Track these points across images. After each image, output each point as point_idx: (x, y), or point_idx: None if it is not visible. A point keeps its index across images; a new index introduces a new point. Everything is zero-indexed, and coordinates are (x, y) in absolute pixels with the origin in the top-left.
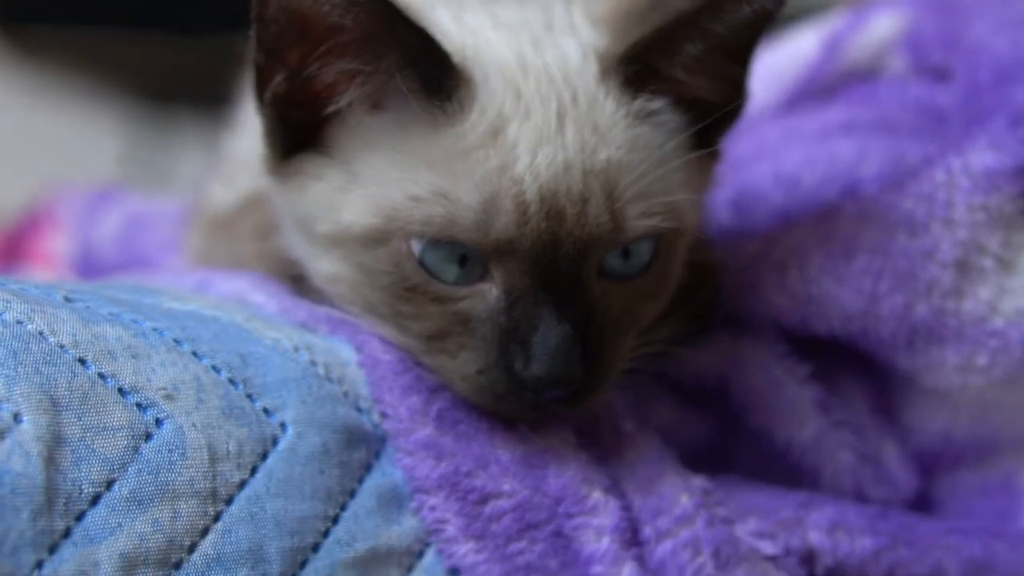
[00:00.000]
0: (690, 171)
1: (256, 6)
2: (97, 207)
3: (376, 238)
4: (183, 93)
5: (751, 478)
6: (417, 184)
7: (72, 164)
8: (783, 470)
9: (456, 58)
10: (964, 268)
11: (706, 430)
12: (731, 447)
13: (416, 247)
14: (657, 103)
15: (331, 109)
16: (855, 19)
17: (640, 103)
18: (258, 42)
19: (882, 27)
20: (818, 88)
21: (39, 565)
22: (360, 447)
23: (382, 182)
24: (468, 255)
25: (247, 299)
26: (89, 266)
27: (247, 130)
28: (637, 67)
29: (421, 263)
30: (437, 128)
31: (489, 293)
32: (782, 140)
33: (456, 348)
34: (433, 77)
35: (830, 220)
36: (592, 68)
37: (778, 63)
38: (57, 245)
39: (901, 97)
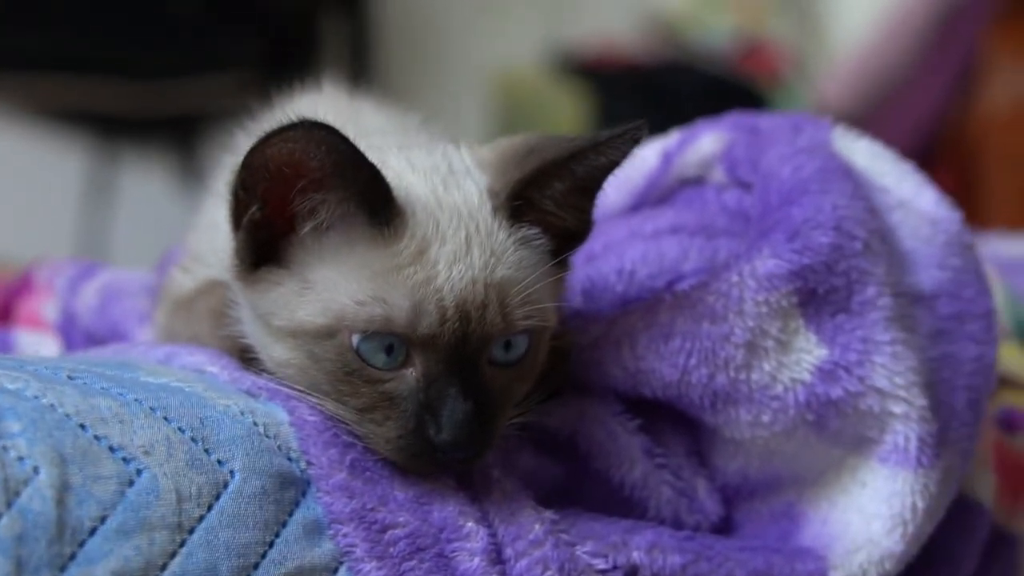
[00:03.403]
0: (552, 282)
1: (247, 156)
2: (80, 278)
3: (325, 333)
4: (130, 130)
5: (596, 510)
6: (360, 291)
7: (37, 196)
8: (620, 503)
9: (396, 194)
10: (752, 348)
11: (560, 472)
12: (580, 486)
13: (355, 340)
14: (533, 231)
15: (293, 233)
16: (686, 136)
17: (522, 232)
18: (240, 182)
19: (706, 144)
20: (657, 192)
21: None
22: (290, 488)
23: (331, 289)
24: (394, 346)
25: (204, 370)
26: (72, 331)
27: (202, 230)
28: (519, 202)
29: (357, 352)
30: (376, 247)
31: (410, 376)
32: (624, 239)
33: (382, 418)
34: (377, 208)
35: (654, 309)
36: (487, 204)
37: (627, 170)
38: (46, 310)
39: (718, 203)
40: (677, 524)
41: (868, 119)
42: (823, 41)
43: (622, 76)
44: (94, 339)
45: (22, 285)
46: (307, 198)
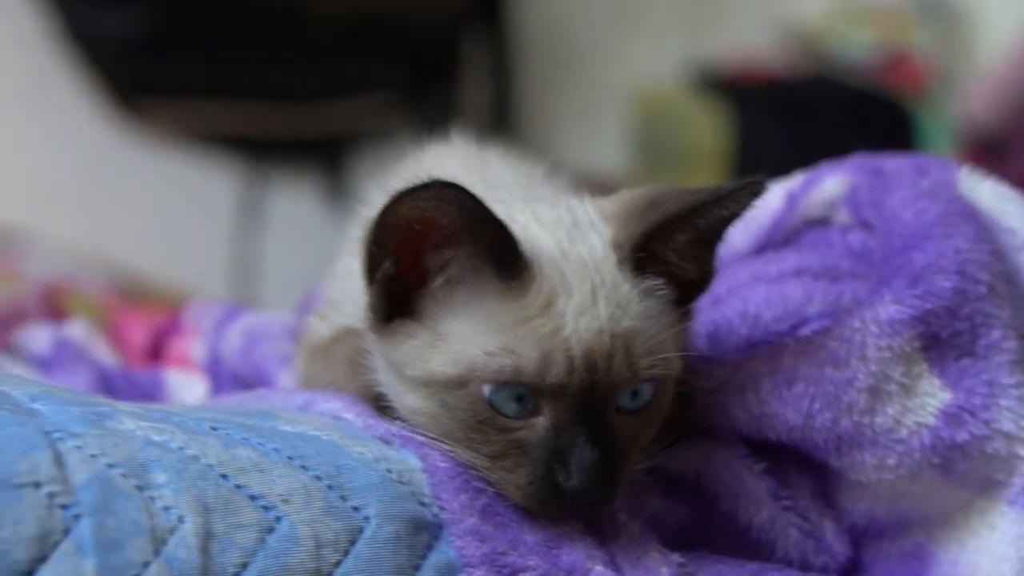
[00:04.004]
0: (677, 332)
1: (380, 214)
2: (225, 320)
3: (457, 383)
4: (279, 152)
5: (723, 552)
6: (490, 343)
7: (191, 217)
8: (747, 545)
9: (524, 248)
10: (875, 392)
11: (687, 515)
12: (708, 528)
13: (486, 390)
14: (656, 281)
15: (424, 287)
16: (810, 178)
17: (646, 283)
18: (374, 239)
19: (830, 186)
20: (782, 233)
21: None
22: (424, 533)
23: (462, 341)
24: (524, 395)
25: (341, 416)
26: (219, 371)
27: (338, 279)
28: (643, 254)
29: (489, 402)
30: (504, 300)
31: (540, 425)
32: (749, 282)
33: (513, 465)
34: (506, 262)
35: (778, 354)
36: (612, 256)
37: (753, 212)
38: (194, 351)
39: (843, 244)
40: (804, 566)
41: (1013, 133)
42: (968, 53)
43: (761, 91)
44: (239, 380)
45: (171, 326)
46: (438, 254)
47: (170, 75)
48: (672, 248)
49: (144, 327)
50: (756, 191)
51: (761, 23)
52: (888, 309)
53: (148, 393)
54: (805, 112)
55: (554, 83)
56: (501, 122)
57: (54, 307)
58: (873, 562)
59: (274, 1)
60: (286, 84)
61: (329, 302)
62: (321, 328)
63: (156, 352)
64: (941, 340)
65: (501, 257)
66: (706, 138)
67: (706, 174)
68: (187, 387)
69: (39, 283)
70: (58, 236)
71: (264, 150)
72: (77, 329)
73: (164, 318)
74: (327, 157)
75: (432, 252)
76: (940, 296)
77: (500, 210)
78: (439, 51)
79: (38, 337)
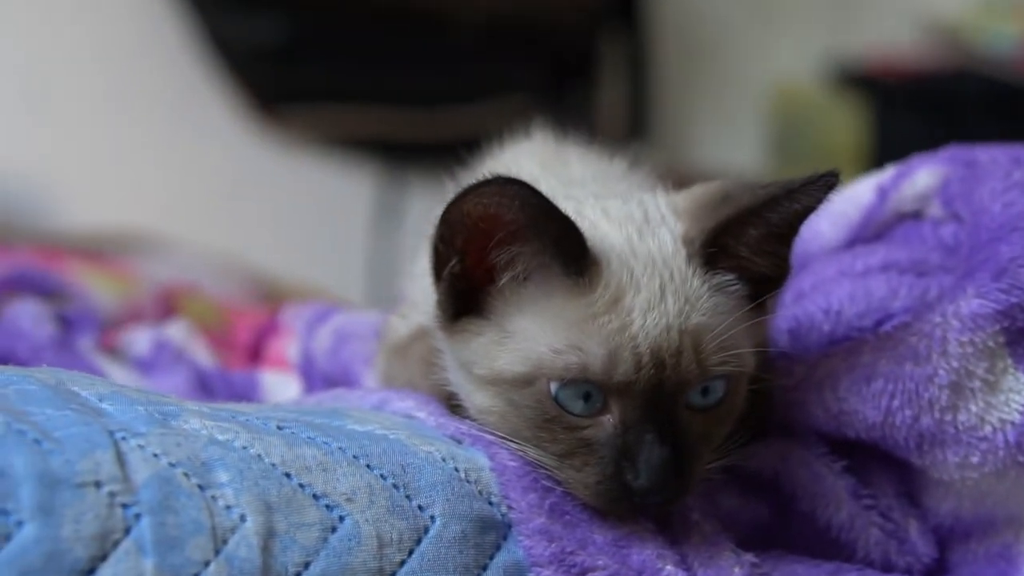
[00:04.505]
0: (749, 327)
1: (444, 212)
2: (318, 320)
3: (524, 381)
4: (416, 155)
5: (803, 551)
6: (557, 340)
7: (329, 220)
8: (827, 544)
9: (590, 244)
10: (957, 389)
11: (765, 513)
12: (787, 528)
13: (553, 387)
14: (728, 277)
15: (492, 284)
16: (902, 171)
17: (717, 278)
18: (440, 236)
19: (922, 179)
20: (874, 227)
21: None
22: (491, 532)
23: (530, 338)
24: (592, 393)
25: (413, 415)
26: (311, 372)
27: (417, 279)
28: (713, 248)
29: (556, 400)
30: (571, 297)
31: (607, 423)
32: (833, 277)
33: (581, 464)
34: (572, 258)
35: (857, 350)
36: (682, 252)
37: (843, 205)
38: (290, 352)
39: (935, 238)
40: (887, 566)
41: None
42: None
43: (902, 86)
44: (329, 380)
45: (270, 326)
46: (504, 251)
47: (309, 81)
48: (744, 243)
49: (250, 328)
50: (830, 184)
51: (903, 19)
52: (971, 303)
53: (243, 393)
54: (947, 107)
55: (691, 82)
56: (638, 122)
57: (169, 309)
58: (960, 563)
59: (412, 5)
60: (424, 88)
61: (409, 301)
62: (401, 327)
63: (255, 353)
64: None
65: (568, 253)
66: (844, 135)
67: (844, 172)
68: (281, 387)
69: (156, 286)
70: (197, 241)
71: (401, 154)
72: (176, 331)
73: (263, 319)
74: (464, 160)
75: (498, 249)
76: None
77: (569, 206)
78: (576, 52)
79: (139, 339)
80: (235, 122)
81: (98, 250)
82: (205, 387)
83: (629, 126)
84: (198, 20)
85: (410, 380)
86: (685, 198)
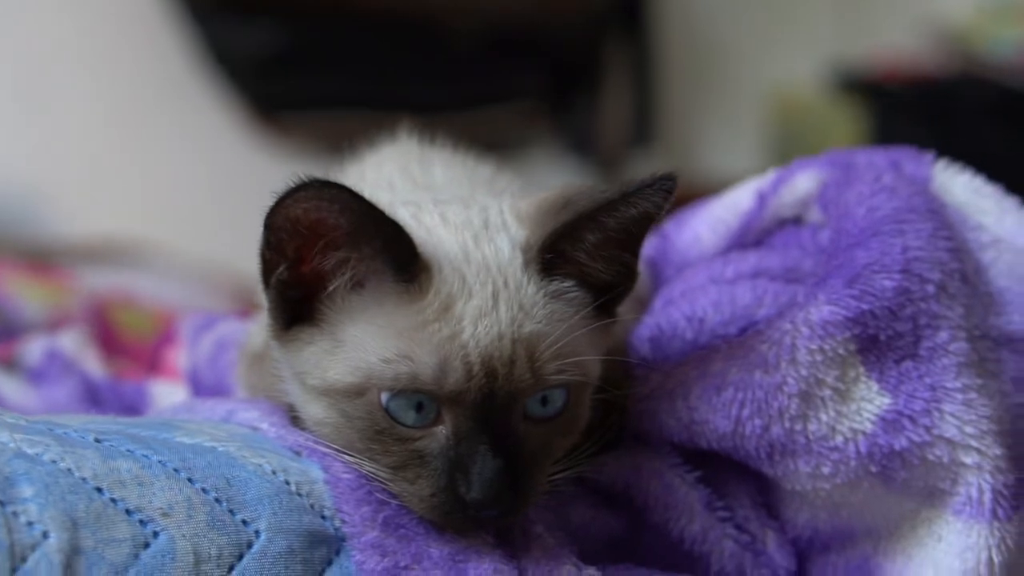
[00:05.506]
0: (592, 335)
1: (267, 216)
2: (202, 328)
3: (355, 391)
4: None
5: (657, 564)
6: (387, 349)
7: None
8: (680, 556)
9: (421, 249)
10: (807, 397)
11: (618, 526)
12: (641, 540)
13: (384, 398)
14: (566, 283)
15: (323, 291)
16: (781, 175)
17: (554, 284)
18: (266, 241)
19: (801, 183)
20: (753, 234)
21: None
22: (322, 547)
23: (360, 347)
24: (424, 403)
25: (256, 426)
26: (196, 381)
27: None
28: (551, 255)
29: (387, 410)
30: (402, 304)
31: (440, 434)
32: (702, 284)
33: (414, 476)
34: (403, 264)
35: (708, 359)
36: (518, 258)
37: (722, 211)
38: (180, 360)
39: (814, 244)
40: None
41: None
42: None
43: (905, 91)
44: (212, 390)
45: (168, 334)
46: (330, 256)
47: (308, 89)
48: (582, 249)
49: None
50: (666, 187)
51: (906, 24)
52: (821, 310)
53: (131, 404)
54: (951, 112)
55: (695, 88)
56: (642, 128)
57: (103, 320)
58: (821, 575)
59: (412, 13)
60: (426, 95)
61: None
62: (258, 336)
63: (154, 364)
64: (880, 342)
65: (398, 259)
66: (847, 140)
67: None
68: (169, 397)
69: (89, 296)
70: (193, 249)
71: None
72: (68, 340)
73: (162, 330)
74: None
75: (323, 255)
76: (880, 296)
77: (406, 211)
78: (580, 58)
79: (32, 349)
80: (234, 130)
81: (83, 260)
82: (94, 398)
83: (633, 132)
84: (196, 28)
85: (265, 387)
86: (530, 204)
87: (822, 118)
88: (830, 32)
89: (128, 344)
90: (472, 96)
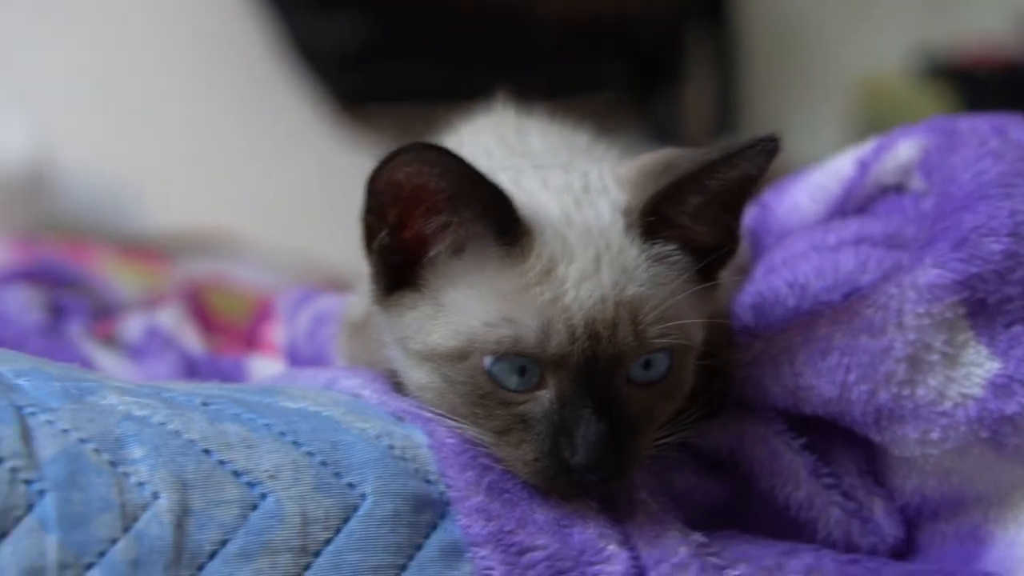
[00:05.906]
0: (695, 299)
1: (368, 181)
2: (300, 303)
3: (457, 356)
4: None
5: (764, 531)
6: (489, 312)
7: None
8: (787, 523)
9: (522, 213)
10: (915, 362)
11: (723, 492)
12: (746, 506)
13: (487, 361)
14: (669, 247)
15: (424, 256)
16: (883, 143)
17: (656, 248)
18: (368, 207)
19: (904, 150)
20: (855, 201)
21: None
22: (427, 511)
23: (462, 311)
24: (527, 367)
25: (359, 393)
26: (294, 356)
27: None
28: (653, 218)
29: (490, 374)
30: (504, 268)
31: (544, 398)
32: (803, 251)
33: (518, 441)
34: (504, 227)
35: (813, 324)
36: (620, 222)
37: (823, 178)
38: (277, 336)
39: (916, 211)
40: (849, 546)
41: None
42: None
43: (993, 77)
44: (311, 363)
45: (265, 312)
46: (433, 220)
47: (392, 81)
48: (684, 211)
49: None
50: (769, 148)
51: (995, 9)
52: (928, 273)
53: (230, 378)
54: None
55: (779, 76)
56: (726, 117)
57: (197, 301)
58: (929, 543)
59: (496, 4)
60: (510, 86)
61: (365, 278)
62: (358, 307)
63: (252, 339)
64: (989, 306)
65: (500, 223)
66: None
67: None
68: (267, 372)
69: (183, 278)
70: (282, 243)
71: None
72: (167, 316)
73: (259, 306)
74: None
75: (425, 218)
76: (988, 259)
77: (507, 176)
78: (664, 48)
79: (132, 326)
80: (320, 123)
81: (178, 251)
82: (193, 373)
83: (717, 121)
84: (281, 22)
85: (367, 356)
86: (630, 168)
87: (909, 105)
88: (917, 18)
89: (222, 326)
90: (555, 87)
